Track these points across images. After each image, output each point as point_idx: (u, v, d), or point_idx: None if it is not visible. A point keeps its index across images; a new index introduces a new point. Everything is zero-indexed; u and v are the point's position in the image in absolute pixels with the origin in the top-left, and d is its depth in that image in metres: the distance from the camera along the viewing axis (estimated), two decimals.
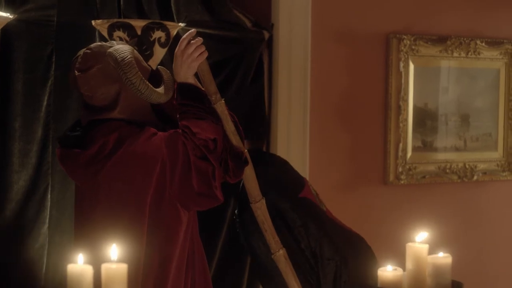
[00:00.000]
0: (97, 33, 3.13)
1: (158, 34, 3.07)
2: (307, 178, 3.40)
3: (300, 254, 3.04)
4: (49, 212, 3.19)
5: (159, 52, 3.10)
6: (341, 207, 3.39)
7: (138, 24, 3.05)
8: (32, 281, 3.18)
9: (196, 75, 2.62)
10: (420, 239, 1.90)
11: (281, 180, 3.17)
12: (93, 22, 3.07)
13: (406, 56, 3.93)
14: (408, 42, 3.93)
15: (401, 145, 3.95)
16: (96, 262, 1.69)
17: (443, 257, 1.87)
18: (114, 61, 2.47)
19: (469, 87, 4.15)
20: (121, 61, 2.45)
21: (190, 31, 2.59)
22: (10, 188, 3.16)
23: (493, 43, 4.17)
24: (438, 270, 1.85)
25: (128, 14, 3.22)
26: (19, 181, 3.17)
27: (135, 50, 2.61)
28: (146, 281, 2.50)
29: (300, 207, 3.10)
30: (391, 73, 3.91)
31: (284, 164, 3.27)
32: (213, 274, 3.32)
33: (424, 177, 4.05)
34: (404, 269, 1.89)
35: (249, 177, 2.76)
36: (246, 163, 2.67)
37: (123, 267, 1.66)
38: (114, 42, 2.67)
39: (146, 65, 2.65)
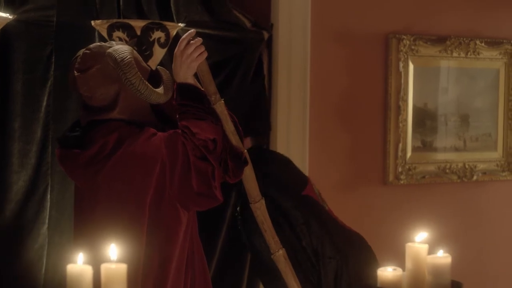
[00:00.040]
0: (96, 33, 3.13)
1: (158, 34, 3.07)
2: None
3: (301, 252, 3.04)
4: (49, 213, 3.18)
5: (159, 53, 3.10)
6: (340, 207, 3.38)
7: (138, 24, 3.05)
8: (32, 281, 3.18)
9: (196, 75, 2.62)
10: (419, 239, 1.90)
11: (282, 178, 3.16)
12: (92, 23, 3.07)
13: (405, 56, 3.93)
14: (408, 42, 3.92)
15: (400, 145, 3.95)
16: (96, 262, 1.69)
17: (442, 257, 1.87)
18: (113, 62, 2.47)
19: (468, 87, 4.15)
20: (121, 62, 2.45)
21: (189, 31, 2.59)
22: (9, 189, 3.16)
23: (493, 43, 4.16)
24: (437, 270, 1.85)
25: (128, 14, 3.22)
26: (19, 182, 3.16)
27: (134, 51, 2.61)
28: (146, 281, 2.50)
29: (302, 205, 3.10)
30: (391, 73, 3.91)
31: (287, 163, 3.27)
32: (213, 274, 3.32)
33: (423, 177, 4.04)
34: (403, 269, 1.89)
35: (249, 177, 2.76)
36: (245, 163, 2.67)
37: (122, 267, 1.65)
38: (114, 42, 2.67)
39: (146, 65, 2.64)
